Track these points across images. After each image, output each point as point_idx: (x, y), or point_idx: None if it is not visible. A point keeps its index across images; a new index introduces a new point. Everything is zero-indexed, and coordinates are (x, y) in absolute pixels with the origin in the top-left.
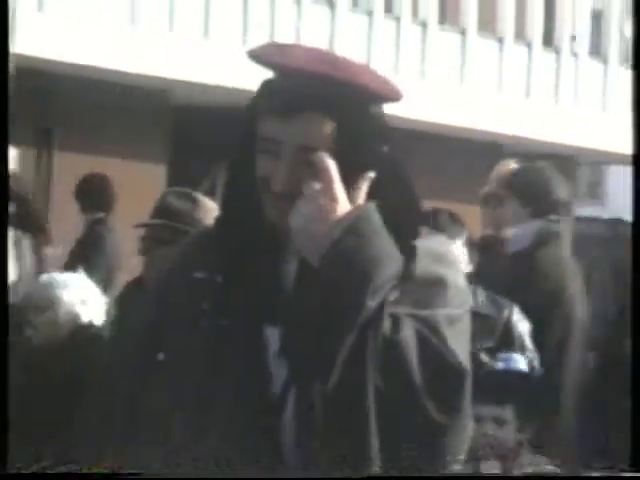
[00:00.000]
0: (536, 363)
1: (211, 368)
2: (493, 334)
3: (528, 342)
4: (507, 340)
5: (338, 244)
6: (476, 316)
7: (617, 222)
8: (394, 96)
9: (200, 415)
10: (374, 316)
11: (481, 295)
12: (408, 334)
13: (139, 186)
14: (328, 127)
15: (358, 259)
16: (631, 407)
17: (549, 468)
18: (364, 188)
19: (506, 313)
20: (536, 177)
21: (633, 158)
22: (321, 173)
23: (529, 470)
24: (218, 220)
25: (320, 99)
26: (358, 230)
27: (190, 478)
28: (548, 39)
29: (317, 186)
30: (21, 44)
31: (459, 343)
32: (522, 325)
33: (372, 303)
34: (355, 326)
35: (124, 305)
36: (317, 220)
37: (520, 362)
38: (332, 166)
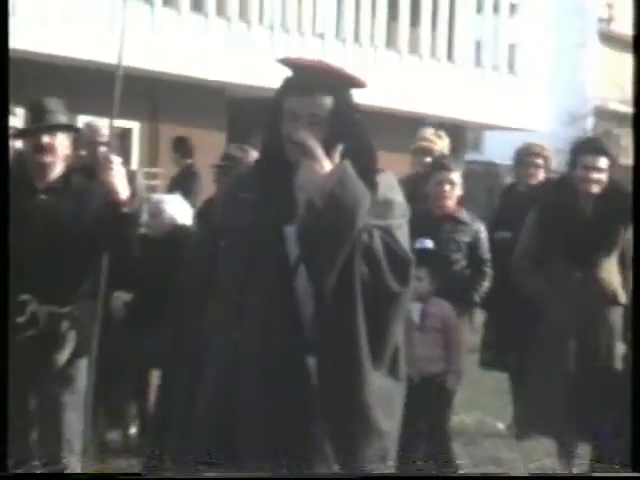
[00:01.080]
0: (484, 251)
1: (251, 249)
2: (468, 235)
3: (485, 242)
4: (475, 240)
5: (333, 193)
6: (461, 223)
7: (489, 163)
8: (362, 84)
9: (245, 275)
10: (359, 232)
11: (465, 213)
12: (377, 240)
13: (210, 144)
14: (327, 101)
15: (347, 201)
16: (631, 407)
17: (445, 305)
18: (339, 150)
19: (477, 225)
20: None
21: (634, 151)
22: (306, 148)
23: None
24: (257, 162)
25: (322, 84)
26: (343, 182)
27: (189, 478)
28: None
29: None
30: (133, 60)
31: (404, 241)
32: (483, 233)
33: (359, 224)
34: (349, 238)
35: (203, 214)
36: (313, 178)
37: (428, 243)
38: (312, 140)
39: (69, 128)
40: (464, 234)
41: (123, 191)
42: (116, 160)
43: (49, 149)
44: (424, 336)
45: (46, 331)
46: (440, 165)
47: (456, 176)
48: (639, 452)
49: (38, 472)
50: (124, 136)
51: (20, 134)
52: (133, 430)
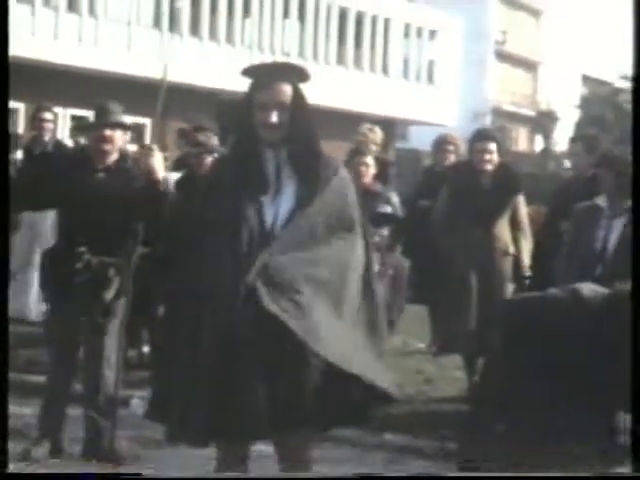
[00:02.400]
0: (397, 211)
1: (233, 215)
2: (385, 201)
3: (397, 203)
4: (390, 202)
5: None
6: (376, 193)
7: (413, 150)
8: (308, 75)
9: (230, 235)
10: None
11: (379, 185)
12: None
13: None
14: (288, 89)
15: None
16: (631, 408)
17: (400, 257)
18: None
19: (389, 193)
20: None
21: (633, 151)
22: None
23: None
24: (234, 146)
25: (285, 76)
26: None
27: (190, 478)
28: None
29: None
30: (148, 72)
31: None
32: (395, 199)
33: None
34: None
35: (182, 180)
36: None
37: (388, 209)
38: None
39: (124, 126)
40: (382, 201)
41: (160, 172)
42: (156, 149)
43: (109, 140)
44: (378, 280)
45: (97, 275)
46: (356, 151)
47: (369, 159)
48: (639, 452)
49: (38, 472)
50: (141, 129)
51: (88, 127)
52: (146, 349)
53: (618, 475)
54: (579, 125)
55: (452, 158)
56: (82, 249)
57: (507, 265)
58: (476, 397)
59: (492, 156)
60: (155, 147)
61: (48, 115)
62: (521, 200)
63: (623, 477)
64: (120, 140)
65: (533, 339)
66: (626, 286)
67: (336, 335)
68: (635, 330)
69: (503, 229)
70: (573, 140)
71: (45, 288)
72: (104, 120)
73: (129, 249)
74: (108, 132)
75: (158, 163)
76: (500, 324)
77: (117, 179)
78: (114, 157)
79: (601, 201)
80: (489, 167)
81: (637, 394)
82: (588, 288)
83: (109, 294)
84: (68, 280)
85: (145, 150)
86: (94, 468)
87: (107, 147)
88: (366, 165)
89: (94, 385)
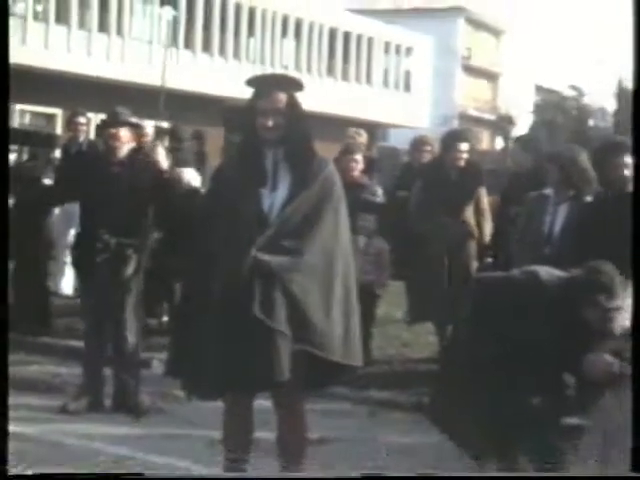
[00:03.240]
0: (382, 200)
1: (237, 204)
2: (372, 192)
3: (381, 194)
4: (376, 193)
5: None
6: (363, 186)
7: (393, 149)
8: (302, 85)
9: (233, 222)
10: None
11: (366, 178)
12: None
13: (213, 135)
14: (285, 97)
15: None
16: (632, 409)
17: (382, 240)
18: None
19: (375, 187)
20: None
21: (634, 151)
22: None
23: None
24: (239, 147)
25: (282, 86)
26: None
27: (190, 478)
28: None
29: None
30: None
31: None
32: (379, 191)
33: None
34: None
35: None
36: None
37: (376, 199)
38: None
39: (129, 123)
40: (367, 192)
41: (164, 163)
42: (159, 145)
43: (116, 137)
44: (365, 258)
45: (115, 255)
46: (347, 150)
47: (359, 156)
48: (639, 452)
49: (39, 472)
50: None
51: (98, 127)
52: (165, 318)
53: (618, 475)
54: (533, 127)
55: (427, 157)
56: (101, 231)
57: (472, 245)
58: (445, 358)
59: (466, 155)
60: (158, 143)
61: (82, 119)
62: (483, 191)
63: (623, 477)
64: (127, 137)
65: (495, 311)
66: (578, 271)
67: (321, 319)
68: (636, 327)
69: (469, 215)
70: (514, 141)
71: (75, 267)
72: (110, 121)
73: (143, 230)
74: (114, 130)
75: (161, 156)
76: (467, 297)
77: (128, 171)
78: (124, 152)
79: (548, 191)
80: (462, 164)
81: (637, 394)
82: (544, 271)
83: (128, 270)
84: (92, 259)
85: (150, 146)
86: (122, 420)
87: (115, 144)
88: (355, 161)
89: (119, 348)
